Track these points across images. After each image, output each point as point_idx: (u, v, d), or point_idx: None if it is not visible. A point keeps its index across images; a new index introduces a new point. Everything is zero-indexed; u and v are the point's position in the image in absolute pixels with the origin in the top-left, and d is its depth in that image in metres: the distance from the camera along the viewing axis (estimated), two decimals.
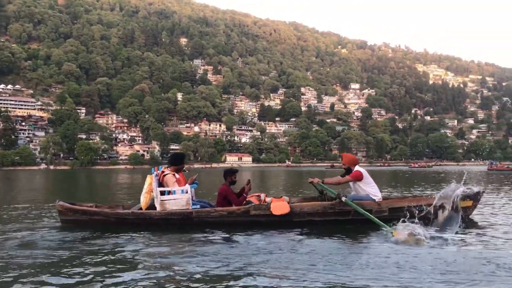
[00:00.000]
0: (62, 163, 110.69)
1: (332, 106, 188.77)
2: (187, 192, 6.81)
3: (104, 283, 3.86)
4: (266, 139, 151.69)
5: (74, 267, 4.42)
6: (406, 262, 4.40)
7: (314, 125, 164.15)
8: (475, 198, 7.16)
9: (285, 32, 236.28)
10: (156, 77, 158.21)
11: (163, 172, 7.00)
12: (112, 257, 4.83)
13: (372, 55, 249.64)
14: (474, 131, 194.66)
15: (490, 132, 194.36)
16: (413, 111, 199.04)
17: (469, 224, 6.73)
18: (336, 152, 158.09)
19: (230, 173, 7.20)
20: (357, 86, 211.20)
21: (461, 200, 6.69)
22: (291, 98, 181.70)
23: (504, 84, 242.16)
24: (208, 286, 3.74)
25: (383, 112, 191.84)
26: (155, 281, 3.90)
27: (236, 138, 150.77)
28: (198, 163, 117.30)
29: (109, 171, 74.89)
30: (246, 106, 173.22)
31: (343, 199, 6.50)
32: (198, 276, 4.04)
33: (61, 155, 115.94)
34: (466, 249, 5.09)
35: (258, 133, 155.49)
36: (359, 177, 6.94)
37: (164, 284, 3.82)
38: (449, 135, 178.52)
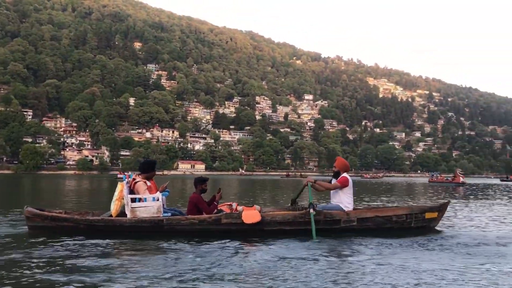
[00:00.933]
0: (5, 167, 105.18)
1: (286, 116, 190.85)
2: (158, 200, 6.73)
3: None
4: (220, 147, 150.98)
5: (43, 275, 4.30)
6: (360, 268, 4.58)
7: (268, 134, 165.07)
8: (440, 209, 7.38)
9: (241, 41, 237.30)
10: (108, 81, 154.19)
11: (134, 179, 6.94)
12: (80, 265, 4.72)
13: (326, 68, 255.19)
14: (421, 144, 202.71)
15: (435, 145, 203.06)
16: (363, 123, 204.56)
17: (432, 234, 6.85)
18: (289, 161, 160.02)
19: (201, 182, 7.14)
20: (310, 97, 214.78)
21: (427, 212, 7.01)
22: (246, 107, 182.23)
23: (449, 99, 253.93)
24: None
25: (335, 123, 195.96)
26: None
27: (189, 145, 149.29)
28: None
29: (55, 176, 72.02)
30: (200, 113, 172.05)
31: (311, 211, 6.50)
32: (166, 285, 3.98)
33: (4, 158, 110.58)
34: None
35: (212, 140, 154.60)
36: (345, 184, 6.97)
37: None
38: (397, 147, 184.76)
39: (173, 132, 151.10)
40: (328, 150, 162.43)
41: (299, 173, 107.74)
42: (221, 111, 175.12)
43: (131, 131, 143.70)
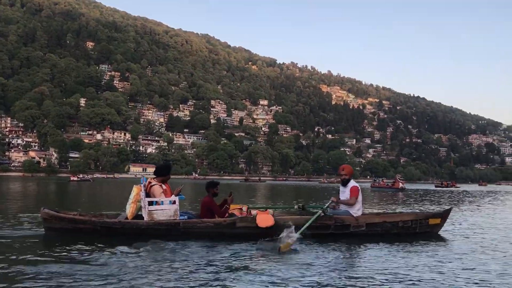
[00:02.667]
0: None
1: (241, 120, 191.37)
2: (175, 203, 6.88)
3: None
4: (173, 150, 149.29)
5: (62, 277, 4.32)
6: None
7: (223, 138, 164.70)
8: (443, 216, 7.78)
9: (197, 44, 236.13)
10: (58, 80, 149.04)
11: (150, 182, 7.08)
12: (99, 267, 4.75)
13: (281, 73, 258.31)
14: (371, 150, 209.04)
15: (384, 151, 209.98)
16: (316, 129, 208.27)
17: (437, 239, 7.24)
18: (243, 165, 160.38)
19: (213, 185, 7.38)
20: (265, 102, 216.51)
21: (431, 218, 7.40)
22: (201, 110, 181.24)
23: (398, 107, 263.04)
24: None
25: (288, 129, 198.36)
26: None
27: (141, 148, 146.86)
28: (99, 173, 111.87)
29: None
30: (153, 116, 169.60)
31: (320, 211, 6.94)
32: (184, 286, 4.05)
33: None
34: None
35: (165, 143, 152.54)
36: (358, 194, 7.23)
37: None
38: (348, 153, 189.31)
39: (125, 134, 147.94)
40: (282, 155, 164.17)
41: (258, 178, 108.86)
42: (175, 114, 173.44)
43: (81, 133, 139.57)
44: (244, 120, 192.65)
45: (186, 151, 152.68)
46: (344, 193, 7.45)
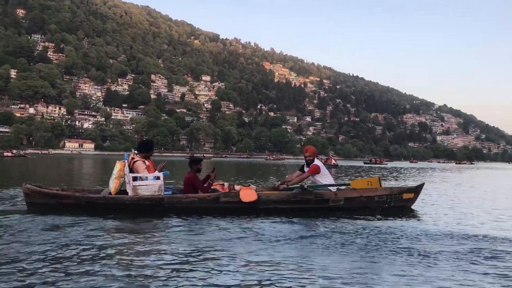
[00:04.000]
0: None
1: (182, 96, 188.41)
2: (159, 178, 6.91)
3: (78, 270, 3.66)
4: (111, 126, 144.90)
5: (47, 253, 4.22)
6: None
7: (163, 114, 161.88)
8: (416, 191, 7.98)
9: (137, 16, 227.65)
10: None
11: (133, 158, 7.08)
12: (85, 243, 4.65)
13: (224, 49, 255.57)
14: (311, 128, 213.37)
15: (324, 129, 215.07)
16: (259, 107, 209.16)
17: (409, 213, 7.49)
18: (185, 142, 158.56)
19: (196, 162, 7.46)
20: (208, 78, 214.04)
21: (405, 193, 7.68)
22: (140, 85, 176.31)
23: (338, 87, 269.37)
24: (183, 271, 3.68)
25: (231, 106, 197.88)
26: (126, 266, 3.81)
27: (77, 123, 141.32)
28: (32, 149, 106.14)
29: None
30: (90, 90, 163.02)
31: (305, 186, 7.20)
32: (171, 260, 4.02)
33: None
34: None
35: (103, 119, 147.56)
36: (317, 171, 7.43)
37: (137, 269, 3.72)
38: (289, 130, 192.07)
39: (59, 108, 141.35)
40: (224, 132, 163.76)
41: (202, 155, 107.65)
42: (113, 88, 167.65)
43: (12, 106, 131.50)
44: (186, 96, 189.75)
45: (124, 127, 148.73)
46: None
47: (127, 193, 6.95)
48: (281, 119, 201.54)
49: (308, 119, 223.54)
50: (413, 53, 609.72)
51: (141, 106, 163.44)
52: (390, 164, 75.40)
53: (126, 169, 6.95)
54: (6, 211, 6.71)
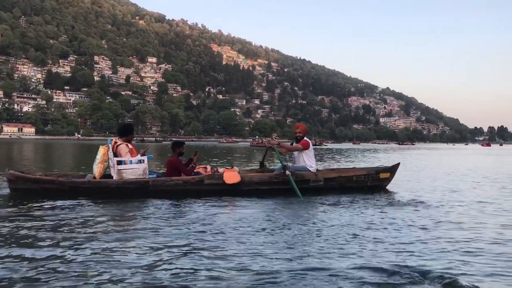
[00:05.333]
0: None
1: (127, 78, 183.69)
2: (143, 162, 7.01)
3: (65, 253, 3.59)
4: (52, 109, 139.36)
5: (30, 235, 4.19)
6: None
7: (108, 97, 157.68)
8: (392, 170, 8.28)
9: None
10: None
11: (115, 142, 7.11)
12: (71, 227, 4.60)
13: (170, 30, 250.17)
14: (260, 111, 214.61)
15: (272, 112, 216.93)
16: (207, 89, 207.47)
17: (385, 192, 7.84)
18: None
19: (178, 145, 7.58)
20: (154, 60, 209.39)
21: (381, 172, 7.97)
22: (83, 66, 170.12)
23: (286, 70, 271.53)
24: (171, 253, 3.67)
25: (178, 88, 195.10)
26: (113, 249, 3.75)
27: (16, 106, 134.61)
28: None
29: None
30: (29, 71, 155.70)
31: (287, 172, 7.13)
32: (159, 242, 4.01)
33: None
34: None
35: (44, 102, 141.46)
36: (307, 146, 7.63)
37: (125, 252, 3.67)
38: (238, 113, 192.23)
39: None
40: (172, 115, 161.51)
41: (154, 139, 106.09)
42: (54, 70, 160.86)
43: None
44: (131, 78, 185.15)
45: (67, 110, 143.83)
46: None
47: (111, 178, 7.03)
48: (229, 101, 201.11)
49: (257, 101, 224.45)
50: (358, 37, 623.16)
51: (84, 89, 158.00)
52: (333, 146, 77.51)
53: (110, 153, 6.98)
54: None
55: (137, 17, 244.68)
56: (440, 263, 3.40)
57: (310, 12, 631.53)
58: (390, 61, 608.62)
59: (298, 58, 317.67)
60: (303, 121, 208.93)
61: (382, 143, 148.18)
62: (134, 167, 6.93)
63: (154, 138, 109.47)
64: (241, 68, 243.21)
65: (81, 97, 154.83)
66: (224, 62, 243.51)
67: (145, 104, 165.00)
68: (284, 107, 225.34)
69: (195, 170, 7.54)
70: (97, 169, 7.11)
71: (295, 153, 7.86)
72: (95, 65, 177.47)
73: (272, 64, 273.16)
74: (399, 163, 8.69)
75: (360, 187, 7.70)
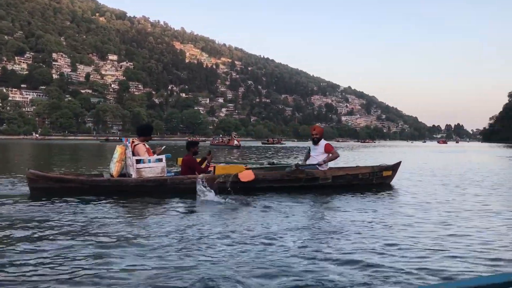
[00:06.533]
0: None
1: (87, 76, 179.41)
2: (161, 161, 7.30)
3: (86, 250, 3.66)
4: (8, 108, 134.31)
5: (51, 234, 4.22)
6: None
7: (67, 95, 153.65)
8: (394, 168, 8.77)
9: None
10: None
11: (133, 142, 7.39)
12: (92, 224, 4.73)
13: (132, 27, 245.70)
14: (223, 109, 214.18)
15: (236, 111, 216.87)
16: (169, 87, 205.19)
17: (389, 188, 8.17)
18: (91, 125, 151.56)
19: (193, 145, 7.85)
20: (115, 57, 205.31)
21: (384, 170, 8.43)
22: (41, 64, 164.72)
23: (249, 68, 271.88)
24: (191, 247, 3.78)
25: (140, 86, 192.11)
26: (135, 242, 3.91)
27: None
28: None
29: None
30: None
31: (292, 166, 7.86)
32: (177, 237, 4.14)
33: None
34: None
35: None
36: (332, 147, 8.32)
37: (146, 246, 3.79)
38: (202, 112, 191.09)
39: None
40: (133, 113, 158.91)
41: (119, 137, 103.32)
42: (9, 67, 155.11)
43: None
44: (91, 76, 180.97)
45: (24, 109, 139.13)
46: (316, 150, 8.34)
47: (125, 176, 7.32)
48: (193, 100, 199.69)
49: (221, 100, 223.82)
50: (320, 36, 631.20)
51: (42, 87, 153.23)
52: (293, 144, 78.26)
53: (129, 153, 7.21)
54: (10, 195, 6.80)
55: (97, 14, 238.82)
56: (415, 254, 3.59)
57: (273, 11, 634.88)
58: (351, 60, 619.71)
59: (262, 56, 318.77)
60: (267, 120, 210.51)
61: (343, 141, 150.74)
62: (152, 165, 7.22)
63: (118, 137, 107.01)
64: (204, 66, 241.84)
65: (39, 95, 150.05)
66: (187, 60, 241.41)
67: (105, 103, 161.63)
68: (248, 105, 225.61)
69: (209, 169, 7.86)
70: (114, 168, 7.35)
71: (314, 153, 8.33)
72: (54, 63, 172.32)
73: (236, 62, 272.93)
74: (400, 162, 9.19)
75: (366, 184, 8.12)
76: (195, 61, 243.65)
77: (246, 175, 7.34)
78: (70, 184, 6.98)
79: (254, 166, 9.04)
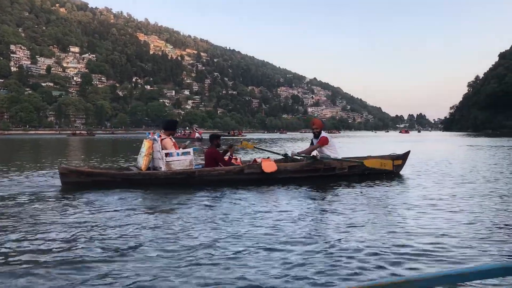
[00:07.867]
0: None
1: (48, 68, 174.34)
2: (189, 154, 7.68)
3: (122, 239, 3.86)
4: None
5: (92, 227, 4.38)
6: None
7: (27, 89, 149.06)
8: (404, 157, 9.18)
9: None
10: None
11: (160, 136, 7.71)
12: (126, 214, 4.94)
13: (94, 19, 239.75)
14: (190, 101, 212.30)
15: (203, 103, 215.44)
16: (134, 80, 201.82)
17: (398, 177, 8.65)
18: (53, 119, 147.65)
19: (216, 138, 8.15)
20: (76, 49, 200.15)
21: (395, 160, 8.70)
22: None
23: (215, 60, 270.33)
24: (221, 236, 3.94)
25: (104, 79, 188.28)
26: (168, 231, 4.11)
27: None
28: None
29: None
30: None
31: (318, 156, 8.24)
32: (210, 226, 4.34)
33: None
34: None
35: None
36: (325, 142, 8.39)
37: (179, 236, 3.96)
38: (167, 104, 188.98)
39: None
40: (97, 106, 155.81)
41: (89, 132, 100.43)
42: None
43: None
44: (52, 69, 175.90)
45: None
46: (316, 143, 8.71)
47: (150, 169, 7.65)
48: (158, 92, 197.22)
49: (187, 92, 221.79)
50: (286, 28, 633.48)
51: (0, 80, 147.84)
52: (260, 136, 78.65)
53: (158, 146, 7.52)
54: (42, 190, 6.89)
55: (57, 5, 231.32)
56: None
57: (238, 3, 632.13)
58: (316, 52, 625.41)
59: (228, 48, 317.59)
60: (234, 112, 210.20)
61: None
62: (181, 158, 7.58)
63: (85, 132, 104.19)
64: (169, 58, 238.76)
65: None
66: (151, 52, 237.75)
67: (68, 96, 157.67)
68: (214, 97, 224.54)
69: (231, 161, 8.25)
70: (142, 161, 7.63)
71: (318, 149, 8.59)
72: (12, 55, 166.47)
73: (202, 54, 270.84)
74: (409, 151, 9.52)
75: (378, 173, 8.45)
76: (160, 53, 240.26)
77: (269, 166, 7.66)
78: (101, 178, 7.24)
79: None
